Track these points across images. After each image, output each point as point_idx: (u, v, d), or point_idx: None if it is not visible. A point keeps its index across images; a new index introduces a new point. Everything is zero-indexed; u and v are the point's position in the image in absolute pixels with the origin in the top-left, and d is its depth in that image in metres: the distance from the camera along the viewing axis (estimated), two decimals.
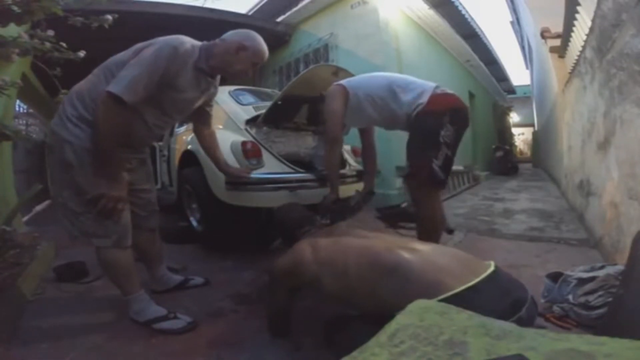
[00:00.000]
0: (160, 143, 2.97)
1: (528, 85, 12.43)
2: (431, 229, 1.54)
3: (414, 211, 1.60)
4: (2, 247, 1.69)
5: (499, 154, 8.40)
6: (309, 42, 4.86)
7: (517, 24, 9.08)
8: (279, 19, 5.14)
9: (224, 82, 1.63)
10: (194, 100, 1.39)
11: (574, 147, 3.36)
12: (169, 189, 2.88)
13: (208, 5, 6.65)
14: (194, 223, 2.42)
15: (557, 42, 3.59)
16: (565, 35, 2.98)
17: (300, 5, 4.80)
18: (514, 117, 13.75)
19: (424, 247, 0.92)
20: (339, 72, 2.04)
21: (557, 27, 3.30)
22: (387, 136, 2.86)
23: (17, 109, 4.06)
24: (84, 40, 1.85)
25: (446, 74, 6.13)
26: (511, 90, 13.54)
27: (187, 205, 2.45)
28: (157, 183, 2.92)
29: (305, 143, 2.39)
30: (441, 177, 1.47)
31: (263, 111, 2.10)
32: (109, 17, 1.71)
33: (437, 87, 1.57)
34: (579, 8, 2.38)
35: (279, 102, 2.00)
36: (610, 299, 1.12)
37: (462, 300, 0.71)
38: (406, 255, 0.85)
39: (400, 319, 0.60)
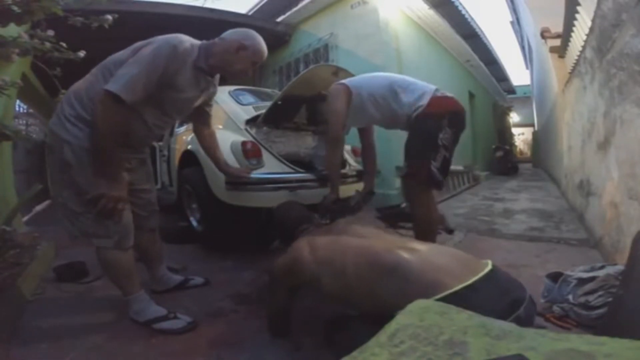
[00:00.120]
0: (160, 143, 2.97)
1: (528, 85, 12.43)
2: (427, 229, 1.56)
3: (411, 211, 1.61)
4: (2, 247, 1.69)
5: (499, 154, 8.40)
6: (309, 42, 4.86)
7: (517, 24, 9.09)
8: (279, 19, 5.14)
9: (224, 82, 1.63)
10: (194, 99, 1.39)
11: (574, 147, 3.36)
12: (169, 189, 2.88)
13: (208, 5, 6.66)
14: (194, 223, 2.42)
15: (557, 42, 3.59)
16: (565, 35, 2.98)
17: (300, 5, 4.80)
18: (514, 117, 13.74)
19: (423, 247, 0.92)
20: (339, 72, 2.04)
21: (557, 27, 3.30)
22: (387, 136, 2.86)
23: (17, 109, 4.06)
24: (84, 40, 1.85)
25: (446, 74, 6.13)
26: (511, 90, 13.54)
27: (187, 205, 2.45)
28: (157, 183, 2.92)
29: (305, 143, 2.39)
30: (439, 178, 1.50)
31: (263, 111, 2.10)
32: (109, 17, 1.71)
33: (437, 89, 1.59)
34: (579, 8, 2.38)
35: (279, 102, 2.00)
36: (610, 299, 1.11)
37: (460, 298, 0.71)
38: (405, 255, 0.85)
39: (400, 319, 0.60)
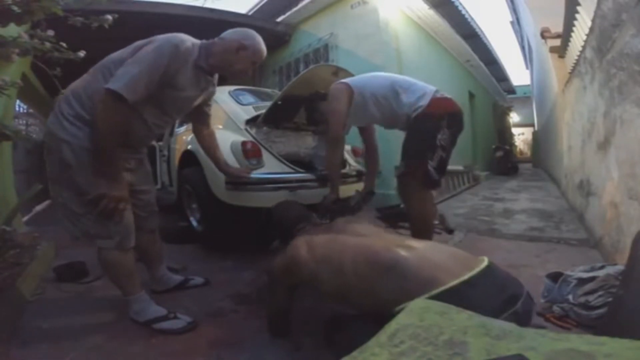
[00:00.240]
0: (160, 143, 2.97)
1: (528, 85, 12.43)
2: (423, 228, 1.58)
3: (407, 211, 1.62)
4: (2, 247, 1.69)
5: (499, 154, 8.40)
6: (309, 42, 4.86)
7: (517, 24, 9.09)
8: (279, 19, 5.14)
9: (224, 82, 1.63)
10: (194, 98, 1.39)
11: (574, 147, 3.36)
12: (169, 189, 2.88)
13: (208, 5, 6.66)
14: (194, 223, 2.42)
15: (557, 42, 3.59)
16: (565, 35, 2.98)
17: (300, 5, 4.80)
18: (514, 117, 13.74)
19: (420, 245, 0.92)
20: (339, 72, 2.05)
21: (557, 27, 3.30)
22: (387, 136, 2.86)
23: (17, 109, 4.06)
24: (84, 40, 1.85)
25: (446, 74, 6.12)
26: (511, 90, 13.54)
27: (187, 205, 2.45)
28: (157, 183, 2.92)
29: (305, 143, 2.39)
30: (436, 177, 1.53)
31: (263, 111, 2.10)
32: (109, 17, 1.71)
33: (436, 91, 1.61)
34: (579, 8, 2.38)
35: (279, 102, 2.00)
36: (610, 299, 1.11)
37: (457, 294, 0.72)
38: (403, 253, 0.85)
39: (400, 318, 0.60)
